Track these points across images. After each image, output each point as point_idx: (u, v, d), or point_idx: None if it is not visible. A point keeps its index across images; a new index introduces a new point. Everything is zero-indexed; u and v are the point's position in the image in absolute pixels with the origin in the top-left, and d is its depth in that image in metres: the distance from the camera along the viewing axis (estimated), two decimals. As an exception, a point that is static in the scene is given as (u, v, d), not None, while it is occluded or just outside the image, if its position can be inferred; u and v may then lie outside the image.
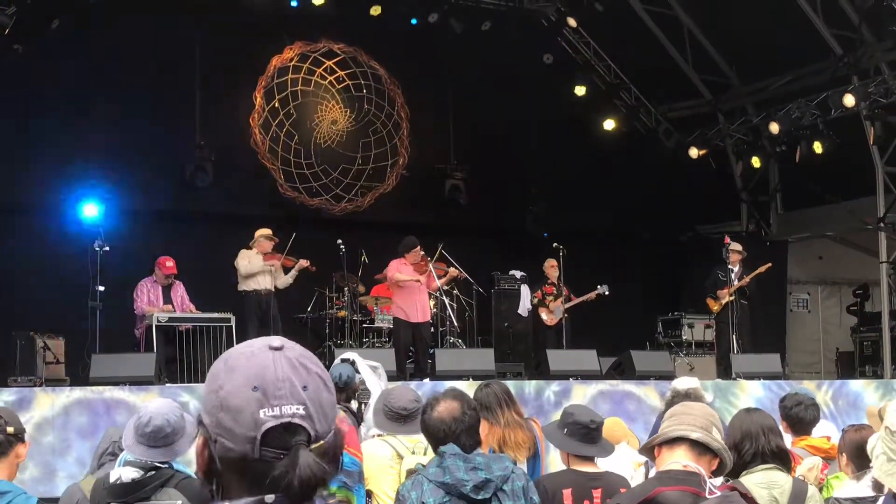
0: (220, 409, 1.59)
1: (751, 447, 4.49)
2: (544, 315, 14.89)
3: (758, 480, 4.39)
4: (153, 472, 4.32)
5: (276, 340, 1.65)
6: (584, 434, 4.80)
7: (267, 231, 13.17)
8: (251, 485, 1.57)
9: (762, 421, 4.60)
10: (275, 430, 1.56)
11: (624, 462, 5.28)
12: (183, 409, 4.69)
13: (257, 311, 12.87)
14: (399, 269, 12.80)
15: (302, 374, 1.61)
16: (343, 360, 6.36)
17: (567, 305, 14.65)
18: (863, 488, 4.43)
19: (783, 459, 4.53)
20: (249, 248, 13.11)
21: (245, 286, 12.96)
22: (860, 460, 4.69)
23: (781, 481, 4.41)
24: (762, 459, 4.47)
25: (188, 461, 4.95)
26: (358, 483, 4.90)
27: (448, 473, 4.12)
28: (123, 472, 4.31)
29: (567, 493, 4.71)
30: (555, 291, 14.83)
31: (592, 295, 14.74)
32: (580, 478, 4.76)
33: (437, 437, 4.32)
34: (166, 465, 4.37)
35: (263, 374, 1.59)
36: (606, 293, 14.71)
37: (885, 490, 3.32)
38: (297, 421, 1.57)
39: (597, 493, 4.72)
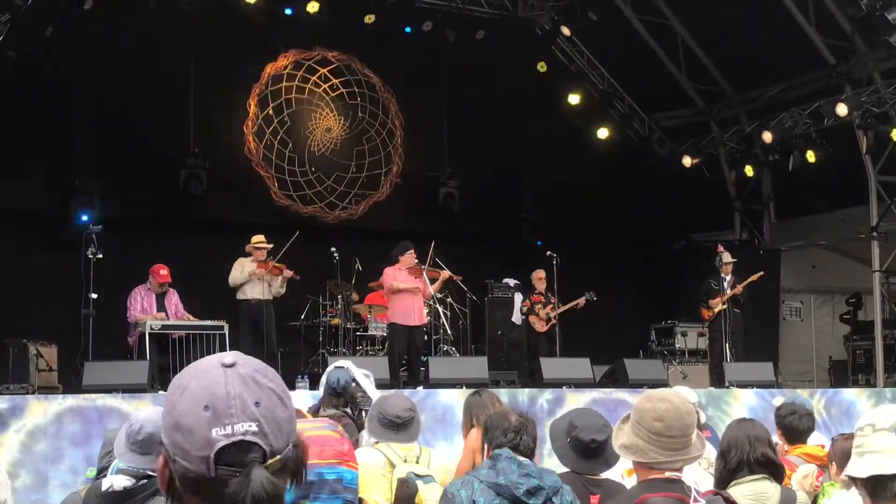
0: (174, 429, 1.57)
1: (735, 455, 4.49)
2: (535, 323, 14.90)
3: (745, 492, 4.39)
4: (145, 481, 4.31)
5: (229, 357, 1.62)
6: (583, 451, 4.79)
7: (259, 237, 13.14)
8: (210, 503, 1.56)
9: (750, 431, 4.60)
10: (228, 449, 1.54)
11: (615, 469, 5.27)
12: None
13: (249, 319, 12.87)
14: (395, 277, 12.80)
15: (254, 390, 1.58)
16: (337, 368, 6.36)
17: (560, 311, 14.64)
18: (853, 497, 4.44)
19: (771, 469, 4.53)
20: (247, 254, 13.09)
21: (240, 294, 12.97)
22: None
23: (770, 492, 4.41)
24: (748, 469, 4.47)
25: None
26: (356, 496, 4.90)
27: (502, 475, 4.10)
28: (115, 481, 4.30)
29: None
30: (542, 300, 14.82)
31: (581, 301, 14.73)
32: (578, 481, 4.76)
33: (501, 428, 4.37)
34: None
35: (214, 392, 1.56)
36: (594, 299, 14.70)
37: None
38: (249, 438, 1.54)
39: (595, 500, 4.73)
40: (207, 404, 1.56)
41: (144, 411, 4.62)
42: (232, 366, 1.60)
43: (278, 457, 1.57)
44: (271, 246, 13.09)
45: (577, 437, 4.76)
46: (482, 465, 4.27)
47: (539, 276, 14.80)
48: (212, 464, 1.54)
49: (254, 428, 1.55)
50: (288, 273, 13.03)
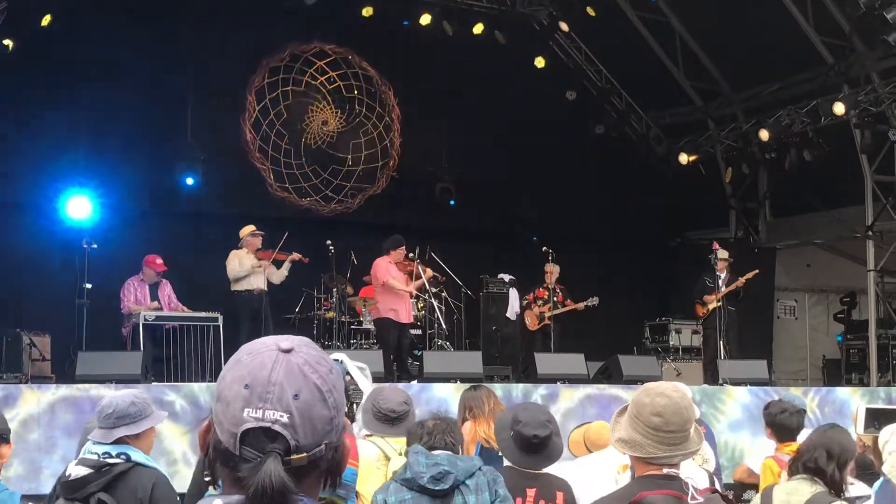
0: (218, 398, 1.60)
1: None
2: (528, 318, 14.88)
3: (787, 489, 4.41)
4: (106, 468, 4.33)
5: (288, 342, 1.62)
6: (525, 446, 4.80)
7: (251, 227, 13.15)
8: (231, 478, 1.58)
9: (841, 454, 4.50)
10: (254, 432, 1.55)
11: (610, 465, 5.28)
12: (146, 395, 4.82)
13: (249, 310, 12.87)
14: (388, 271, 12.78)
15: (298, 382, 1.57)
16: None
17: (554, 313, 14.59)
18: (858, 489, 4.47)
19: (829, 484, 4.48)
20: (239, 248, 13.07)
21: (237, 286, 12.94)
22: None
23: (805, 490, 4.39)
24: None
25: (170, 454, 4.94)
26: (352, 493, 4.91)
27: (409, 469, 4.25)
28: (74, 470, 4.36)
29: None
30: (545, 296, 14.79)
31: (581, 305, 14.70)
32: (514, 474, 4.77)
33: (417, 436, 4.53)
34: (123, 459, 4.37)
35: (257, 374, 1.57)
36: (595, 305, 14.68)
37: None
38: (277, 428, 1.54)
39: (531, 493, 4.75)
40: (248, 383, 1.57)
41: (111, 393, 4.74)
42: (288, 351, 1.61)
43: (305, 454, 1.56)
44: (263, 234, 13.11)
45: (519, 431, 4.78)
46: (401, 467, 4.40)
47: (549, 270, 14.68)
48: (237, 441, 1.55)
49: (284, 419, 1.55)
50: (296, 255, 13.07)
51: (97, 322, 12.18)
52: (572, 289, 14.93)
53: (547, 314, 14.59)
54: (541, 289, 14.94)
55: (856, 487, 4.72)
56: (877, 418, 5.74)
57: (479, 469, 4.33)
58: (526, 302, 15.04)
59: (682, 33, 17.03)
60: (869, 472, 5.15)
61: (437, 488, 4.19)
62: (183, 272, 13.37)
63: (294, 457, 1.55)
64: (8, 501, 4.55)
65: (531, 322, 14.84)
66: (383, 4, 16.09)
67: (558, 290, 14.72)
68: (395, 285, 12.72)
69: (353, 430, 5.63)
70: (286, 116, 16.56)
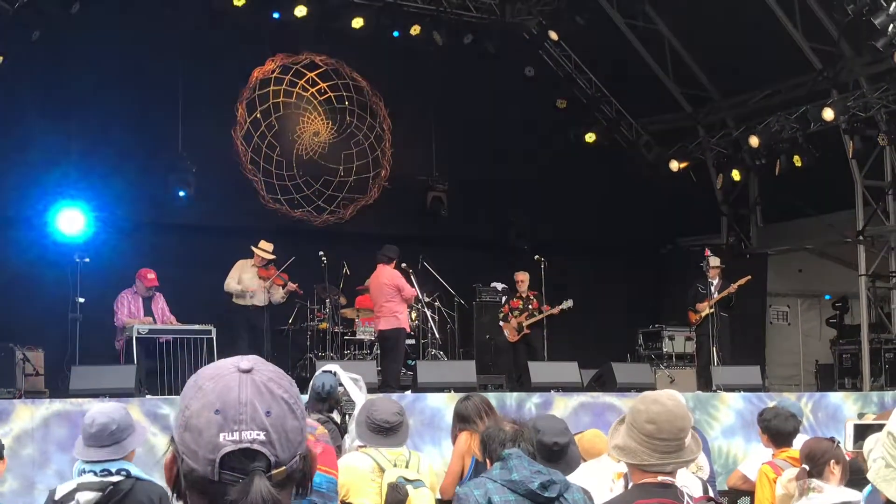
0: (184, 428, 1.59)
1: None
2: (507, 331, 14.75)
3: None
4: (111, 488, 4.27)
5: (246, 362, 1.63)
6: (548, 454, 4.81)
7: (269, 246, 13.28)
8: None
9: None
10: (234, 455, 1.55)
11: (605, 473, 5.29)
12: (127, 409, 4.71)
13: (245, 321, 13.03)
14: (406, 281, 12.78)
15: (266, 399, 1.59)
16: (325, 372, 6.33)
17: (530, 321, 14.48)
18: (842, 493, 4.49)
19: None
20: (250, 256, 13.26)
21: (237, 300, 13.07)
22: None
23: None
24: None
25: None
26: (331, 501, 4.90)
27: (515, 472, 4.18)
28: (80, 497, 4.25)
29: None
30: (521, 306, 14.66)
31: (556, 310, 14.56)
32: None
33: (499, 440, 4.46)
34: (124, 475, 4.33)
35: (226, 397, 1.58)
36: (570, 308, 14.56)
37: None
38: (256, 447, 1.55)
39: None
40: (219, 408, 1.57)
41: (95, 406, 4.64)
42: (248, 371, 1.61)
43: (283, 467, 1.58)
44: (273, 258, 13.20)
45: (540, 440, 4.78)
46: (493, 467, 4.32)
47: (520, 279, 14.65)
48: (216, 467, 1.55)
49: (261, 437, 1.56)
50: (292, 286, 13.20)
51: (90, 336, 12.15)
52: (564, 296, 14.89)
53: (525, 324, 14.48)
54: (514, 299, 14.77)
55: (843, 492, 4.74)
56: (864, 434, 5.79)
57: (571, 484, 4.32)
58: (502, 314, 14.88)
59: (670, 40, 17.09)
60: (862, 477, 5.18)
61: (545, 495, 4.15)
62: (175, 285, 13.34)
63: (275, 472, 1.57)
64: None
65: (510, 335, 14.64)
66: (374, 15, 16.11)
67: (532, 298, 14.61)
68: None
69: (346, 442, 5.64)
70: (277, 128, 16.57)
